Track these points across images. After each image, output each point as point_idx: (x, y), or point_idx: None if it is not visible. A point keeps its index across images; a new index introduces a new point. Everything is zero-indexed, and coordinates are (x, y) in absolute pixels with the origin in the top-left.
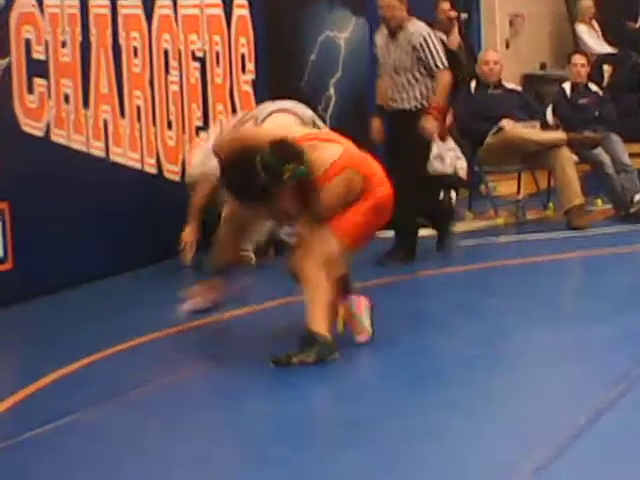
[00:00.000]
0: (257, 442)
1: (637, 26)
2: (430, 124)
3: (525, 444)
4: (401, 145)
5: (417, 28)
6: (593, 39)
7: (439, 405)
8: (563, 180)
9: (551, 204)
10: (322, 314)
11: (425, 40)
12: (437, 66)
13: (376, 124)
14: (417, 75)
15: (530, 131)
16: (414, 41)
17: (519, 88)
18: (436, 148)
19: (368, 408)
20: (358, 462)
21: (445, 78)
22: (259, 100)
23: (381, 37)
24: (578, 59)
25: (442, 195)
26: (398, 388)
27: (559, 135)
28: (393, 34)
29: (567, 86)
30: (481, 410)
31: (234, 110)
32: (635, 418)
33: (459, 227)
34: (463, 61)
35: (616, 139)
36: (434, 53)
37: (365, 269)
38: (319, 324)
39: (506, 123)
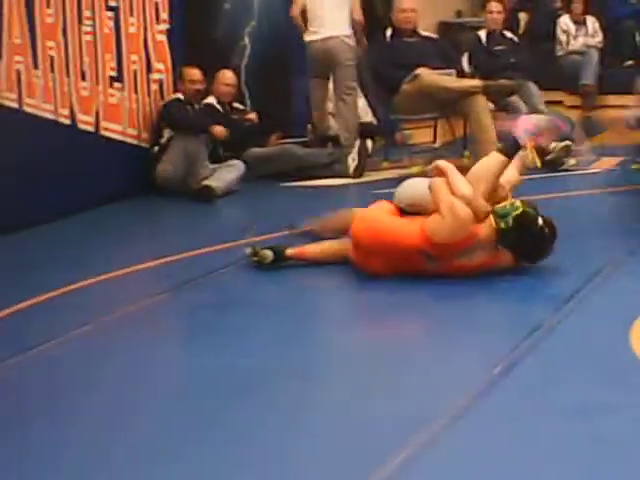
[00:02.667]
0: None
1: None
2: None
3: (441, 394)
4: None
5: None
6: None
7: (359, 351)
8: (479, 127)
9: (467, 152)
10: None
11: None
12: None
13: None
14: None
15: (445, 78)
16: None
17: (435, 36)
18: None
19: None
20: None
21: None
22: (174, 50)
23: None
24: (494, 6)
25: (359, 144)
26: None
27: (475, 82)
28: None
29: (482, 33)
30: (397, 357)
31: (148, 60)
32: (548, 367)
33: (374, 176)
34: (378, 8)
35: (532, 86)
36: None
37: None
38: None
39: (421, 71)
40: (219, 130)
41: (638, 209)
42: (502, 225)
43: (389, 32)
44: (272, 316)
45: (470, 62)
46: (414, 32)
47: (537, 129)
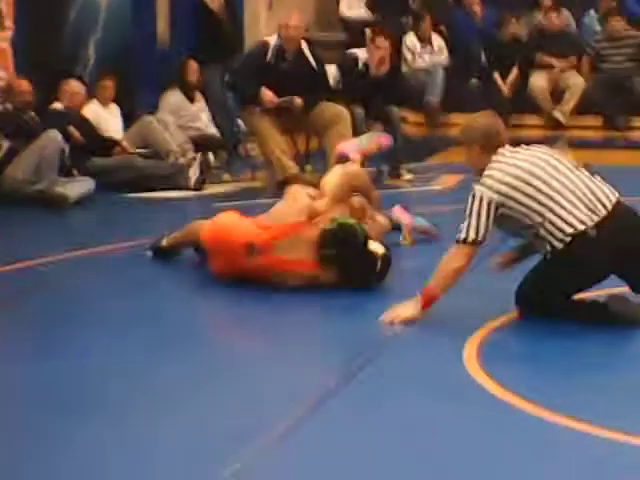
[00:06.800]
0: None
1: None
2: None
3: (275, 406)
4: None
5: None
6: (353, 3)
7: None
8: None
9: (309, 166)
10: None
11: None
12: None
13: None
14: None
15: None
16: None
17: (313, 63)
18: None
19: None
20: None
21: None
22: (18, 57)
23: None
24: (381, 42)
25: (200, 156)
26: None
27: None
28: None
29: (360, 56)
30: (232, 370)
31: None
32: (382, 382)
33: (216, 188)
34: (225, 22)
35: (394, 112)
36: None
37: None
38: None
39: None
40: (75, 132)
41: None
42: (326, 227)
43: (275, 41)
44: (109, 327)
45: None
46: (298, 50)
47: (361, 145)
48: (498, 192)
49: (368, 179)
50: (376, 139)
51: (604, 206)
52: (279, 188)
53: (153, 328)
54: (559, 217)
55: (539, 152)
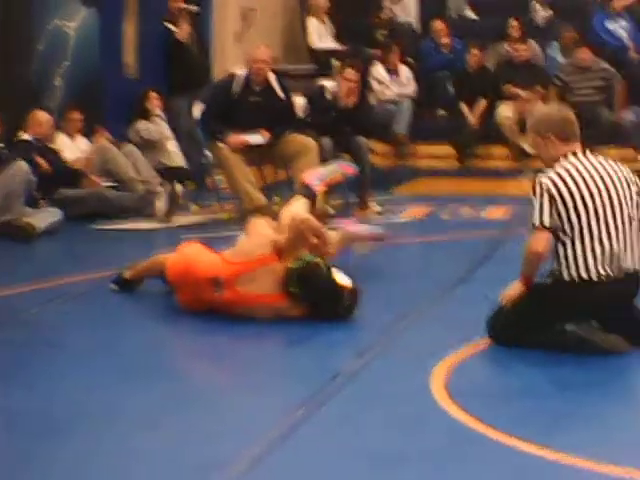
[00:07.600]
0: None
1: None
2: None
3: (241, 437)
4: None
5: None
6: (321, 34)
7: (159, 396)
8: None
9: (277, 197)
10: None
11: None
12: None
13: None
14: None
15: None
16: None
17: (282, 94)
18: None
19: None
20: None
21: None
22: None
23: None
24: (351, 74)
25: (168, 187)
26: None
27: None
28: None
29: (328, 87)
30: (199, 401)
31: None
32: (349, 412)
33: (184, 220)
34: (194, 52)
35: (361, 141)
36: None
37: None
38: None
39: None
40: (43, 162)
41: (444, 258)
42: (292, 265)
43: (243, 74)
44: (75, 357)
45: (311, 112)
46: (266, 82)
47: (325, 175)
48: (555, 185)
49: (314, 221)
50: (340, 168)
51: (620, 269)
52: (247, 219)
53: (118, 358)
54: (584, 255)
55: (615, 183)
